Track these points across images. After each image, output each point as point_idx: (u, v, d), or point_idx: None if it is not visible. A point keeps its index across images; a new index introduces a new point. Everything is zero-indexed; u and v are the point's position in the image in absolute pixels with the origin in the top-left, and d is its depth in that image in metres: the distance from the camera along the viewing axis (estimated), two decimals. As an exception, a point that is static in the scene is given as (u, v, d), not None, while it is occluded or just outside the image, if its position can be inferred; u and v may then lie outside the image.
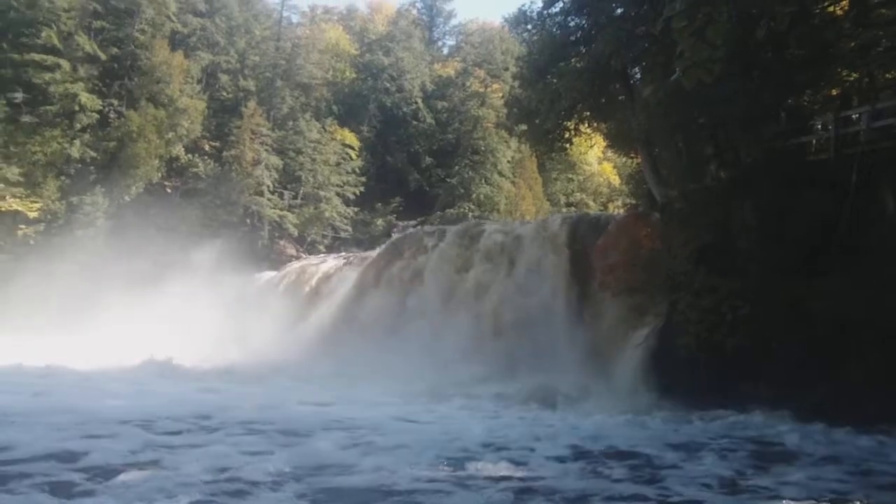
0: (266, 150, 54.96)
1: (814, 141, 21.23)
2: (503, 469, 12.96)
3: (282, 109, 58.76)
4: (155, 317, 35.78)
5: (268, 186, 54.51)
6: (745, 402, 18.46)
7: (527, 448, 14.85)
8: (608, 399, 21.30)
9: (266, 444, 14.46)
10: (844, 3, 21.55)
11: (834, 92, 22.50)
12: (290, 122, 58.45)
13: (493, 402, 22.15)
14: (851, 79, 22.03)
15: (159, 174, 51.23)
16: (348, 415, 18.65)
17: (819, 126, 21.29)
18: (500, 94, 61.05)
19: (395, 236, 39.88)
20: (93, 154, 48.34)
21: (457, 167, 64.07)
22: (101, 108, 49.67)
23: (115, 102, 50.99)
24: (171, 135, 51.24)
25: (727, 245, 20.26)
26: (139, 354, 29.04)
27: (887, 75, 21.59)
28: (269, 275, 43.79)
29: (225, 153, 54.30)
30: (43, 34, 47.15)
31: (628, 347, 22.89)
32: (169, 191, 52.51)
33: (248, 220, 53.58)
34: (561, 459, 13.95)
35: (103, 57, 50.42)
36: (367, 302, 33.49)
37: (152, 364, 28.21)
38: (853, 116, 20.45)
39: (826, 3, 21.48)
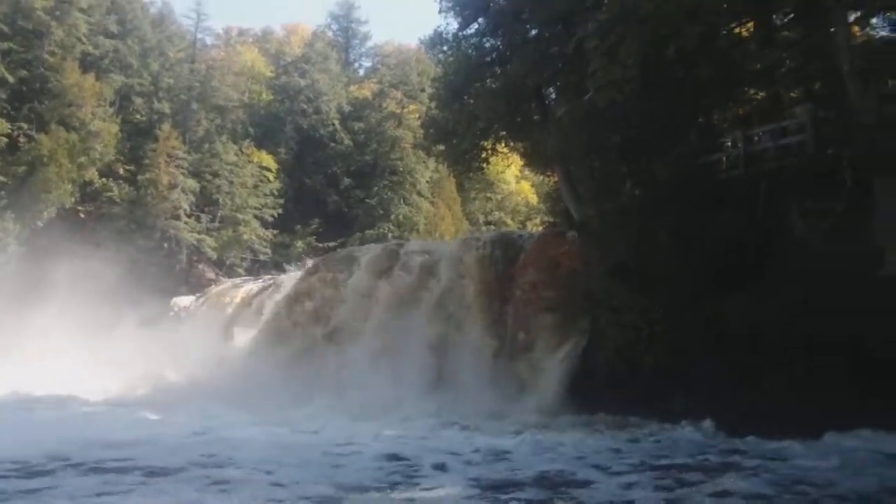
0: (182, 173, 53.90)
1: (724, 159, 21.66)
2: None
3: (197, 132, 57.72)
4: (62, 346, 34.57)
5: (185, 210, 53.45)
6: (665, 417, 18.64)
7: (431, 464, 14.80)
8: (527, 417, 21.22)
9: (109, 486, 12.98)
10: (750, 24, 22.18)
11: (742, 111, 23.06)
12: (207, 145, 57.46)
13: (400, 424, 21.43)
14: (759, 98, 22.62)
15: (72, 199, 49.73)
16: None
17: (729, 144, 21.74)
18: (417, 115, 61.08)
19: (301, 269, 39.19)
20: (2, 178, 46.76)
21: (376, 188, 63.87)
22: (9, 131, 48.04)
23: (25, 126, 49.36)
24: (83, 159, 49.74)
25: (643, 262, 20.46)
26: (37, 385, 28.11)
27: (792, 94, 22.22)
28: (188, 299, 42.88)
29: (140, 177, 52.94)
30: (-54, 56, 45.64)
31: (549, 364, 22.89)
32: (83, 216, 51.02)
33: (165, 245, 52.36)
34: (473, 481, 13.55)
35: (11, 79, 48.85)
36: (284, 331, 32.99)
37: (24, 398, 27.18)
38: (759, 134, 20.94)
39: (732, 25, 22.05)
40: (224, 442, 18.16)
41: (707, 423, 18.10)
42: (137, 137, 55.24)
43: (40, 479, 13.64)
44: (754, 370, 17.78)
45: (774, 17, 22.53)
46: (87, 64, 53.83)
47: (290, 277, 38.13)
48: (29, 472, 14.12)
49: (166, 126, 54.63)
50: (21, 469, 14.31)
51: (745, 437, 16.88)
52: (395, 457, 15.94)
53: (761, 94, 22.59)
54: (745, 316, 18.05)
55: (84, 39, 53.82)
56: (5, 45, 49.43)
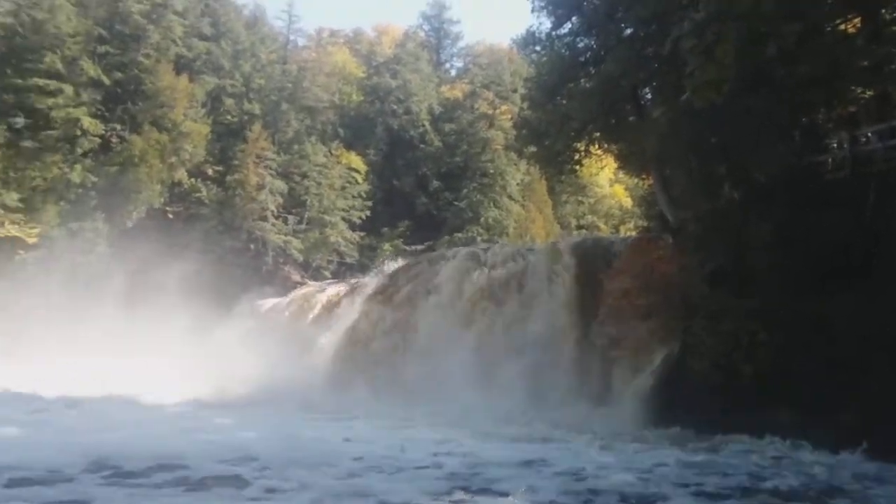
0: (270, 174, 55.17)
1: (830, 160, 21.24)
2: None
3: (287, 133, 58.93)
4: (149, 347, 35.60)
5: (272, 211, 54.66)
6: (764, 430, 18.33)
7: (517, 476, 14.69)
8: (615, 428, 21.23)
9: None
10: (856, 20, 21.65)
11: (847, 110, 22.52)
12: (296, 146, 58.62)
13: (484, 437, 21.23)
14: (866, 96, 22.07)
15: (161, 199, 51.39)
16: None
17: (834, 145, 21.30)
18: (509, 116, 61.14)
19: (391, 267, 39.76)
20: (94, 179, 48.46)
21: (465, 190, 64.07)
22: (103, 132, 49.87)
23: (118, 127, 51.16)
24: (173, 159, 51.46)
25: (742, 266, 20.21)
26: (130, 385, 29.22)
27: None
28: (273, 301, 43.76)
29: (228, 178, 54.42)
30: (46, 59, 47.35)
31: (642, 374, 22.83)
32: (171, 216, 52.57)
33: (251, 246, 53.66)
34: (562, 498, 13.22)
35: (107, 81, 50.73)
36: (374, 330, 33.50)
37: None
38: (868, 135, 20.47)
39: (837, 21, 21.57)
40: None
41: (814, 437, 17.64)
42: (227, 138, 56.73)
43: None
44: (866, 376, 17.33)
45: (884, 11, 21.96)
46: (181, 66, 55.59)
47: (374, 280, 38.66)
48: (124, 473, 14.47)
49: (256, 127, 55.93)
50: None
51: (854, 452, 16.51)
52: (477, 466, 15.79)
53: (868, 92, 22.00)
54: (853, 318, 17.66)
55: (178, 42, 55.70)
56: (102, 49, 51.39)
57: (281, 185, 55.79)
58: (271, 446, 17.38)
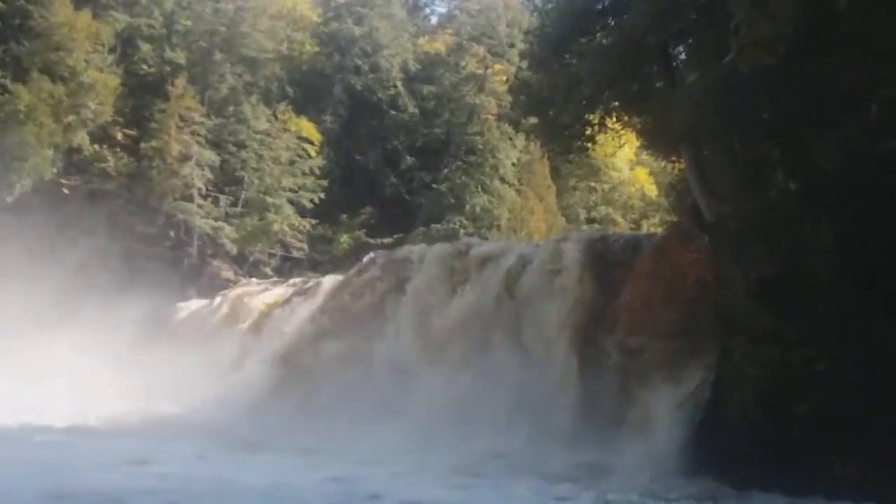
0: (198, 142, 54.87)
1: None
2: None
3: (220, 90, 58.59)
4: (36, 364, 35.21)
5: (199, 189, 54.35)
6: (821, 487, 18.24)
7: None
8: (635, 477, 21.13)
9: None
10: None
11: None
12: (231, 108, 58.44)
13: (473, 477, 22.00)
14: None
15: (54, 169, 50.80)
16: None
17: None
18: (504, 78, 61.12)
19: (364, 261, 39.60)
20: (-37, 140, 47.92)
21: (446, 170, 63.95)
22: (-23, 79, 49.43)
23: (-1, 73, 50.70)
24: (71, 118, 50.78)
25: (797, 277, 20.12)
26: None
27: None
28: (198, 303, 43.48)
29: (143, 145, 53.87)
30: None
31: (665, 408, 22.75)
32: (67, 191, 52.10)
33: (171, 233, 53.32)
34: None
35: (-19, 12, 50.19)
36: (323, 349, 33.37)
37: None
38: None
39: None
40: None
41: (886, 502, 17.37)
42: (143, 94, 56.28)
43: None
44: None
45: None
46: (82, -2, 54.88)
47: (328, 282, 38.52)
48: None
49: (180, 81, 55.43)
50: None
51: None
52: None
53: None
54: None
55: (78, -35, 54.94)
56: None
57: (211, 156, 55.48)
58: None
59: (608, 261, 28.88)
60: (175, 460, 23.74)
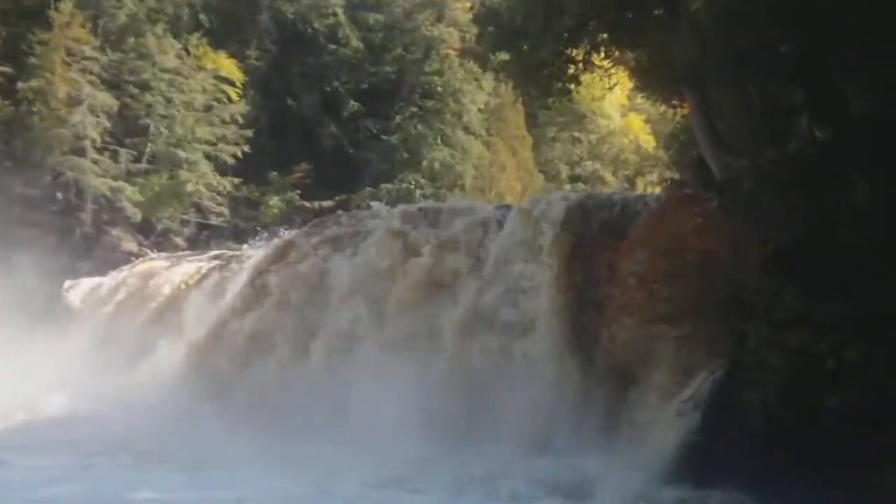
0: (91, 81, 54.26)
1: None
2: None
3: (117, 17, 57.93)
4: None
5: (93, 141, 53.66)
6: (854, 495, 18.28)
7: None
8: (629, 489, 21.17)
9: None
10: None
11: None
12: (131, 39, 57.85)
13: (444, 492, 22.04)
14: None
15: None
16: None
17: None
18: (469, 5, 60.98)
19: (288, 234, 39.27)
20: None
21: (398, 118, 64.07)
22: None
23: None
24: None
25: (827, 247, 20.12)
26: None
27: None
28: (91, 282, 43.09)
29: (21, 85, 53.14)
30: None
31: (667, 405, 22.74)
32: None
33: (59, 194, 52.82)
34: None
35: None
36: (246, 339, 33.12)
37: None
38: None
39: None
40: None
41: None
42: (19, 21, 55.48)
43: None
44: None
45: None
46: None
47: (255, 255, 38.22)
48: None
49: (66, 5, 54.47)
50: None
51: None
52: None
53: None
54: None
55: None
56: None
57: (107, 99, 54.78)
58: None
59: (595, 228, 28.73)
60: (52, 470, 23.75)
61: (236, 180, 58.97)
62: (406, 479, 23.67)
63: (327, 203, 56.62)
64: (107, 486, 22.22)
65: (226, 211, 58.20)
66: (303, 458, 25.37)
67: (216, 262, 40.05)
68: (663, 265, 24.29)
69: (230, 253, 42.11)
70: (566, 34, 29.64)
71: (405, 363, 28.55)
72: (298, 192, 60.21)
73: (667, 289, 23.70)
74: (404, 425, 26.02)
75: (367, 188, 60.27)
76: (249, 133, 60.07)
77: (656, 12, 28.28)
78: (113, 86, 55.74)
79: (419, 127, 63.16)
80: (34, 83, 52.82)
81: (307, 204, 58.31)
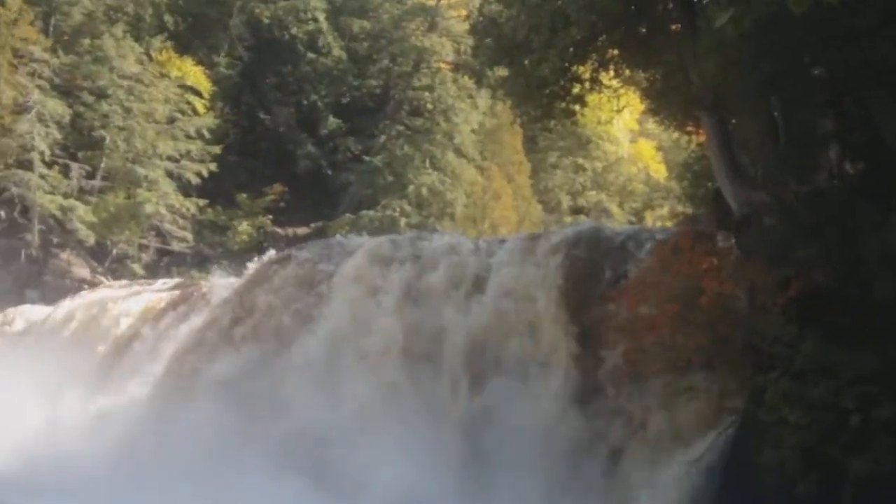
0: (40, 87, 54.59)
1: None
2: None
3: (71, 16, 58.31)
4: None
5: (42, 154, 53.88)
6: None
7: None
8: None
9: None
10: None
11: None
12: (87, 41, 58.03)
13: None
14: None
15: None
16: None
17: None
18: (465, 13, 61.15)
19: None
20: None
21: (383, 137, 64.19)
22: None
23: None
24: None
25: (855, 292, 20.16)
26: None
27: None
28: (37, 313, 43.05)
29: (-38, 91, 53.30)
30: None
31: (674, 465, 22.75)
32: None
33: (2, 212, 52.93)
34: None
35: None
36: (208, 383, 33.13)
37: None
38: None
39: None
40: None
41: None
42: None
43: None
44: None
45: None
46: None
47: (222, 285, 38.21)
48: None
49: (14, 0, 54.53)
50: None
51: None
52: None
53: None
54: None
55: None
56: None
57: (59, 107, 55.09)
58: None
59: (598, 268, 28.84)
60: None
61: (201, 202, 59.00)
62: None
63: (302, 230, 56.83)
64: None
65: (189, 236, 58.23)
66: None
67: (176, 294, 40.02)
68: (673, 310, 24.29)
69: (196, 283, 42.08)
70: (572, 49, 29.69)
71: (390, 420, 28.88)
72: (270, 216, 60.30)
73: (677, 336, 23.69)
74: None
75: (347, 215, 60.35)
76: (217, 150, 60.13)
77: (673, 27, 28.44)
78: (65, 92, 55.98)
79: (406, 148, 63.25)
80: (-25, 88, 52.84)
81: (280, 230, 58.45)
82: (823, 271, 20.93)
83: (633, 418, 24.98)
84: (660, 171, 72.63)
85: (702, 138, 31.60)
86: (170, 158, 58.06)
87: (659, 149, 72.99)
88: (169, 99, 58.89)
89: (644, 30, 29.09)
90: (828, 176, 22.77)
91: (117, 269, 54.84)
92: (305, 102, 65.33)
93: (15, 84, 52.98)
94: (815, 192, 22.41)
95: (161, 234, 57.40)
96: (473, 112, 64.46)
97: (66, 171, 55.31)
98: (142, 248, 56.73)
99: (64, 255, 54.11)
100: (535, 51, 29.76)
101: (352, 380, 30.60)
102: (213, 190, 59.70)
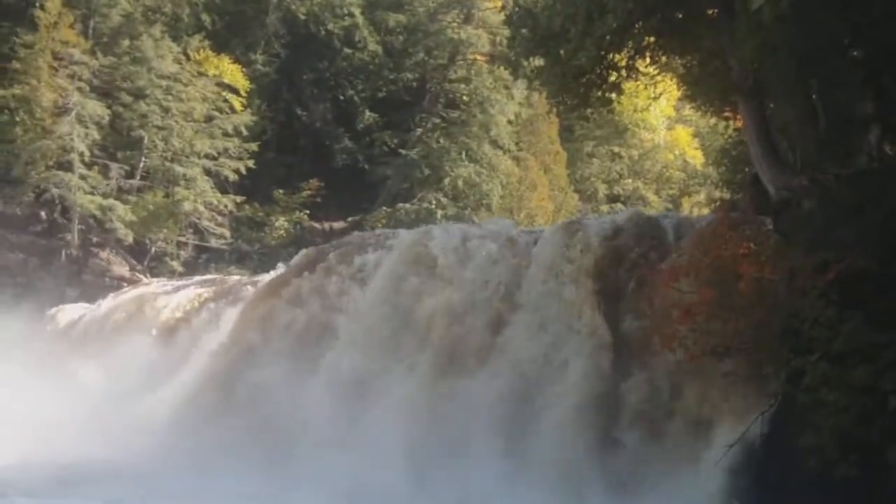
0: (80, 89, 54.63)
1: None
2: None
3: (110, 17, 58.33)
4: None
5: (81, 155, 54.00)
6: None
7: None
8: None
9: None
10: None
11: None
12: (126, 42, 58.09)
13: None
14: None
15: None
16: None
17: None
18: (500, 5, 61.03)
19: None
20: None
21: (419, 131, 64.14)
22: None
23: None
24: None
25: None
26: None
27: None
28: (78, 310, 43.18)
29: (3, 92, 53.57)
30: None
31: (711, 450, 22.75)
32: None
33: (43, 213, 53.08)
34: None
35: None
36: (254, 366, 33.18)
37: None
38: None
39: None
40: None
41: None
42: (1, 21, 55.91)
43: None
44: None
45: None
46: None
47: (266, 280, 38.30)
48: None
49: (54, 3, 54.74)
50: None
51: None
52: None
53: None
54: None
55: None
56: None
57: (98, 108, 55.17)
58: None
59: (635, 254, 28.79)
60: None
61: (239, 199, 59.23)
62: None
63: (339, 224, 56.74)
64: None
65: (227, 233, 58.33)
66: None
67: (215, 289, 40.10)
68: (711, 295, 24.19)
69: (229, 279, 42.15)
70: (608, 37, 29.61)
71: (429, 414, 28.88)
72: (307, 211, 60.35)
73: (714, 321, 23.60)
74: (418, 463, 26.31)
75: (383, 208, 60.35)
76: (254, 147, 60.35)
77: (710, 12, 28.34)
78: (104, 93, 56.06)
79: (442, 140, 63.21)
80: (17, 90, 53.21)
81: (317, 225, 58.44)
82: (863, 254, 20.80)
83: (672, 402, 24.90)
84: (697, 158, 72.24)
85: (739, 123, 31.48)
86: (207, 156, 58.26)
87: (696, 135, 72.63)
88: (206, 97, 59.04)
89: (680, 16, 29.00)
90: (867, 158, 22.62)
91: (156, 266, 55.02)
92: (342, 97, 65.34)
93: (55, 87, 53.18)
94: (854, 175, 22.21)
95: (199, 232, 57.46)
96: (509, 103, 64.22)
97: (105, 172, 55.45)
98: (180, 245, 56.86)
99: (103, 255, 54.23)
100: (571, 40, 29.68)
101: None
102: (251, 187, 59.79)
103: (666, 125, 74.80)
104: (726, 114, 35.18)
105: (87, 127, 54.29)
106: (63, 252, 52.78)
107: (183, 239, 56.96)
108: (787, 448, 20.73)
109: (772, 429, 21.57)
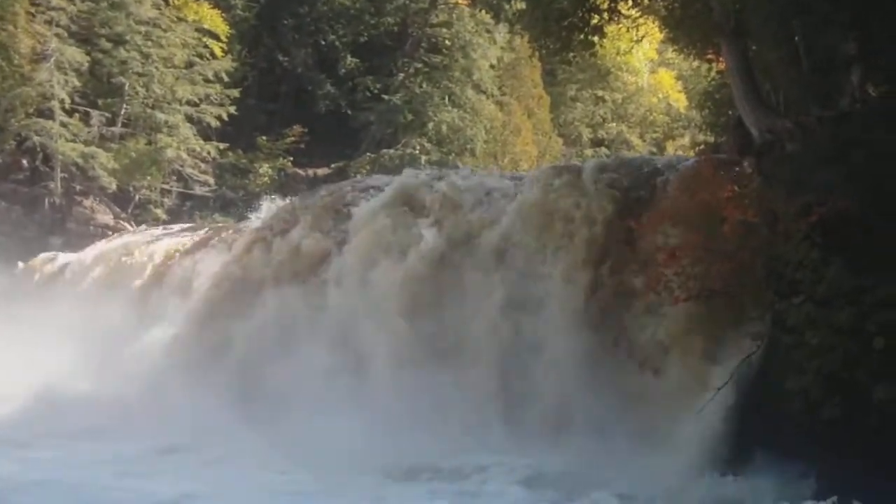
0: (58, 35, 54.36)
1: None
2: None
3: (88, -40, 57.83)
4: None
5: (62, 102, 53.83)
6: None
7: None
8: (656, 485, 21.26)
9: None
10: None
11: None
12: (104, -13, 57.60)
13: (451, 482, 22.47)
14: None
15: None
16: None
17: None
18: (482, -54, 60.80)
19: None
20: None
21: (401, 76, 63.93)
22: None
23: None
24: None
25: (879, 216, 20.00)
26: None
27: None
28: (62, 259, 43.13)
29: (-21, 38, 53.20)
30: None
31: (698, 392, 22.64)
32: None
33: (24, 162, 52.92)
34: None
35: None
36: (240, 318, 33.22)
37: None
38: None
39: None
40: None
41: None
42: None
43: None
44: None
45: None
46: None
47: (246, 228, 38.24)
48: None
49: (29, -54, 54.46)
50: None
51: None
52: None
53: None
54: None
55: None
56: None
57: (77, 55, 54.85)
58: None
59: (617, 197, 28.71)
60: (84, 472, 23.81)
61: (222, 145, 59.02)
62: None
63: (323, 170, 56.68)
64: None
65: (210, 180, 58.27)
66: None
67: (203, 234, 40.06)
68: (694, 238, 24.16)
69: (218, 225, 42.12)
70: (591, -21, 29.64)
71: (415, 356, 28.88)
72: (291, 158, 60.22)
73: (698, 263, 23.59)
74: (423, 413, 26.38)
75: (367, 154, 60.30)
76: (236, 93, 60.05)
77: (691, -48, 28.30)
78: (83, 40, 55.73)
79: (424, 85, 63.06)
80: (-6, 36, 52.74)
81: (300, 171, 58.34)
82: (846, 196, 20.77)
83: (656, 346, 24.94)
84: (680, 101, 72.31)
85: (722, 66, 31.42)
86: (189, 103, 58.04)
87: (679, 78, 72.65)
88: (187, 43, 58.77)
89: (664, -45, 28.98)
90: (850, 100, 22.58)
91: (140, 214, 54.93)
92: (323, 43, 65.08)
93: (33, 33, 52.85)
94: (837, 117, 22.18)
95: (183, 179, 57.33)
96: (492, 47, 64.08)
97: (86, 119, 55.29)
98: (164, 193, 56.73)
99: (87, 203, 54.11)
100: (553, -18, 29.68)
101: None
102: (234, 133, 59.66)
103: (649, 68, 74.85)
104: (709, 56, 35.10)
105: (66, 74, 54.00)
106: (46, 200, 52.73)
107: (167, 186, 56.82)
108: (773, 391, 20.80)
109: (757, 372, 21.62)
